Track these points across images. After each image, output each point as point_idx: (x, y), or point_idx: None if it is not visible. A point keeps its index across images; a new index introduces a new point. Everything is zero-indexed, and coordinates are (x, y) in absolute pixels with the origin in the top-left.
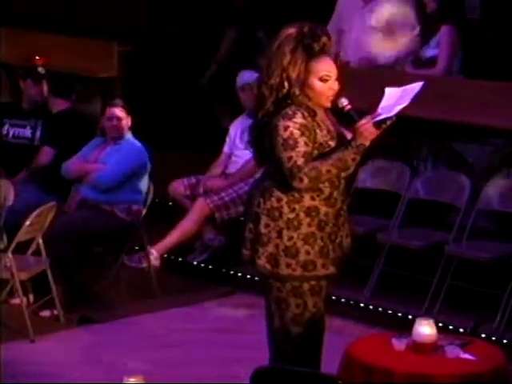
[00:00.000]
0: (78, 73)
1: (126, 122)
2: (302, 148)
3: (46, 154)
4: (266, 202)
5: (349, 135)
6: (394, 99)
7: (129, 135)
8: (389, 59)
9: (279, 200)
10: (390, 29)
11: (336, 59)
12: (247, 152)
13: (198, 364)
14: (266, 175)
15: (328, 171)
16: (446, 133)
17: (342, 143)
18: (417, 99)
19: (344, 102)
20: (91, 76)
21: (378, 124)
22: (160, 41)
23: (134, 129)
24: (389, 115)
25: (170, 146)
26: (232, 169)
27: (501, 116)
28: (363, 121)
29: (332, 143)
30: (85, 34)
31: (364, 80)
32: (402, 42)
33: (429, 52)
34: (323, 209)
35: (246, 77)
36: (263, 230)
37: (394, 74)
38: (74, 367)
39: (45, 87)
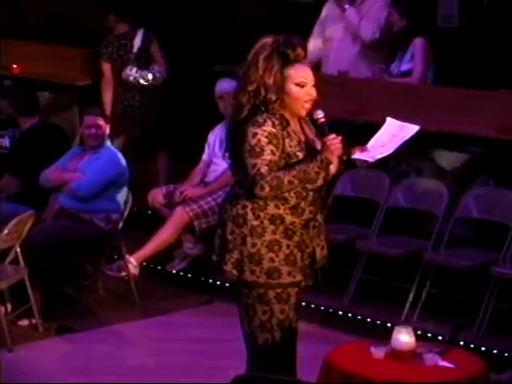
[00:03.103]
0: (56, 81)
1: (105, 130)
2: (267, 156)
3: (8, 182)
4: (233, 209)
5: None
6: (387, 136)
7: (108, 144)
8: (367, 68)
9: (244, 207)
10: (357, 27)
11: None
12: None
13: (177, 373)
14: (236, 182)
15: (290, 182)
16: (424, 141)
17: (310, 156)
18: (395, 107)
19: (319, 114)
20: (69, 84)
21: (354, 160)
22: None
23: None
24: (368, 159)
25: (149, 155)
26: (211, 177)
27: (478, 124)
28: (332, 136)
29: (300, 154)
30: (62, 42)
31: (341, 88)
32: (380, 53)
33: (403, 66)
34: (288, 218)
35: (225, 85)
36: (229, 237)
37: (371, 82)
38: (53, 376)
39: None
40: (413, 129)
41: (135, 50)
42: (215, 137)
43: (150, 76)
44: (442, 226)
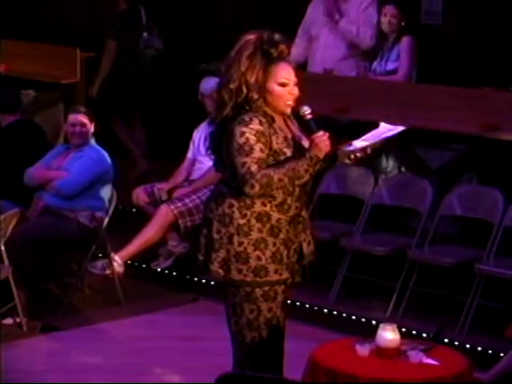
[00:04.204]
0: (41, 79)
1: (90, 128)
2: (256, 154)
3: None
4: (218, 208)
5: (307, 145)
6: (374, 134)
7: (92, 142)
8: (352, 67)
9: (230, 206)
10: (355, 28)
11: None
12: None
13: (161, 371)
14: (221, 181)
15: (280, 180)
16: (408, 138)
17: (297, 153)
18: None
19: (306, 110)
20: (54, 82)
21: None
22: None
23: (96, 135)
24: (349, 148)
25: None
26: (196, 175)
27: (461, 121)
28: (320, 133)
29: (287, 151)
30: (48, 39)
31: (326, 86)
32: (367, 40)
33: (389, 65)
34: (275, 215)
35: (213, 83)
36: (215, 236)
37: (356, 81)
38: (37, 375)
39: None
40: (397, 128)
41: (144, 22)
42: (200, 135)
43: (162, 45)
44: (426, 224)
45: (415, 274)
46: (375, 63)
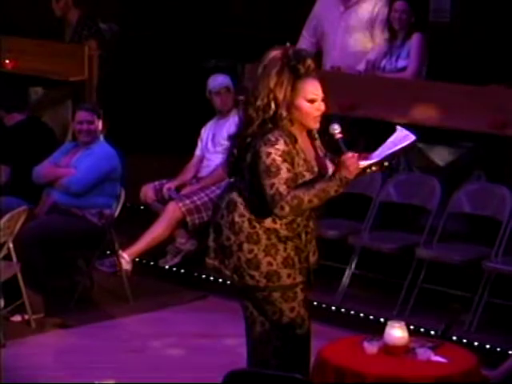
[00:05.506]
0: (49, 76)
1: (97, 125)
2: (284, 175)
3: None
4: (229, 215)
5: (331, 168)
6: (391, 145)
7: (101, 139)
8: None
9: (241, 216)
10: (370, 26)
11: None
12: (219, 155)
13: (170, 369)
14: (232, 188)
15: (310, 201)
16: (416, 136)
17: (317, 176)
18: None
19: (336, 129)
20: (62, 80)
21: (363, 169)
22: (131, 44)
23: (105, 132)
24: (374, 161)
25: (143, 150)
26: (204, 172)
27: (470, 119)
28: (349, 154)
29: (307, 174)
30: (55, 37)
31: (333, 84)
32: (381, 39)
33: (400, 63)
34: (283, 232)
35: (221, 80)
36: (225, 243)
37: (363, 78)
38: (45, 372)
39: None
40: (406, 141)
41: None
42: (208, 132)
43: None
44: (434, 221)
45: (423, 271)
46: (384, 60)
